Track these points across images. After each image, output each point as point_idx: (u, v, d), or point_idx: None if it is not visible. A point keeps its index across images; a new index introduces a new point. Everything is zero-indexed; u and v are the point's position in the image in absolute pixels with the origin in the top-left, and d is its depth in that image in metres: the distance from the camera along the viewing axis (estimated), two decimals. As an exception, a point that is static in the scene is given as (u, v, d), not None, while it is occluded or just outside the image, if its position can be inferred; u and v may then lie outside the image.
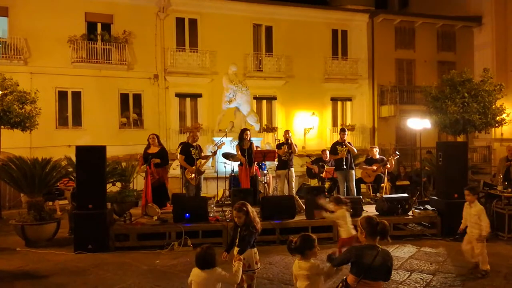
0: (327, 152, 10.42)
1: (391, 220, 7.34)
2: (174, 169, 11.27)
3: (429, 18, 19.83)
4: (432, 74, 19.17)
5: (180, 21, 17.05)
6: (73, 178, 9.02)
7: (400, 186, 11.62)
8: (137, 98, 16.53)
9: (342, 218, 5.49)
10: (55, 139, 14.48)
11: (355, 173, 9.45)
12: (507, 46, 19.21)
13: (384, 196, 8.60)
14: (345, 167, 9.10)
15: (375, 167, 9.99)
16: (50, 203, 10.61)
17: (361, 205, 7.94)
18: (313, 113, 18.38)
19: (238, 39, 17.25)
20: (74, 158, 7.47)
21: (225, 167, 9.80)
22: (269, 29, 18.24)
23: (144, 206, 8.02)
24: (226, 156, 9.66)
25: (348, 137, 11.22)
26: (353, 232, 5.52)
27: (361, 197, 8.78)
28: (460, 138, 14.68)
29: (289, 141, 9.09)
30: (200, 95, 17.23)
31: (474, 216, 5.65)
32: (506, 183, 8.49)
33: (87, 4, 15.71)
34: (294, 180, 9.45)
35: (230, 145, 10.53)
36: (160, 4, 16.41)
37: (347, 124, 18.90)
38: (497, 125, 13.97)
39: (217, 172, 9.99)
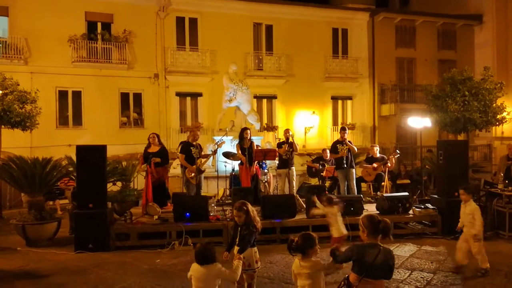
0: (328, 151, 10.42)
1: (391, 219, 7.24)
2: (175, 168, 11.27)
3: (429, 16, 19.75)
4: (432, 72, 19.15)
5: (180, 20, 17.04)
6: (74, 178, 9.04)
7: (400, 185, 11.65)
8: (138, 97, 16.54)
9: (334, 217, 5.54)
10: (55, 139, 14.48)
11: (355, 172, 9.45)
12: (507, 45, 19.16)
13: (385, 194, 8.58)
14: (345, 166, 9.09)
15: (375, 165, 9.98)
16: (51, 202, 10.64)
17: (361, 204, 7.96)
18: (314, 112, 18.34)
19: (238, 38, 17.23)
20: (74, 158, 7.47)
21: (225, 166, 9.81)
22: (269, 28, 18.21)
23: (145, 206, 8.02)
24: (227, 155, 9.67)
25: (348, 136, 11.22)
26: (344, 231, 5.60)
27: (361, 196, 8.76)
28: (461, 137, 14.66)
29: (290, 140, 9.10)
30: (200, 94, 17.23)
31: (468, 215, 5.64)
32: (506, 181, 8.47)
33: (87, 3, 15.70)
34: (294, 179, 9.44)
35: (230, 144, 10.52)
36: (160, 3, 16.40)
37: (348, 123, 18.85)
38: (497, 123, 13.94)
39: (217, 171, 10.01)
